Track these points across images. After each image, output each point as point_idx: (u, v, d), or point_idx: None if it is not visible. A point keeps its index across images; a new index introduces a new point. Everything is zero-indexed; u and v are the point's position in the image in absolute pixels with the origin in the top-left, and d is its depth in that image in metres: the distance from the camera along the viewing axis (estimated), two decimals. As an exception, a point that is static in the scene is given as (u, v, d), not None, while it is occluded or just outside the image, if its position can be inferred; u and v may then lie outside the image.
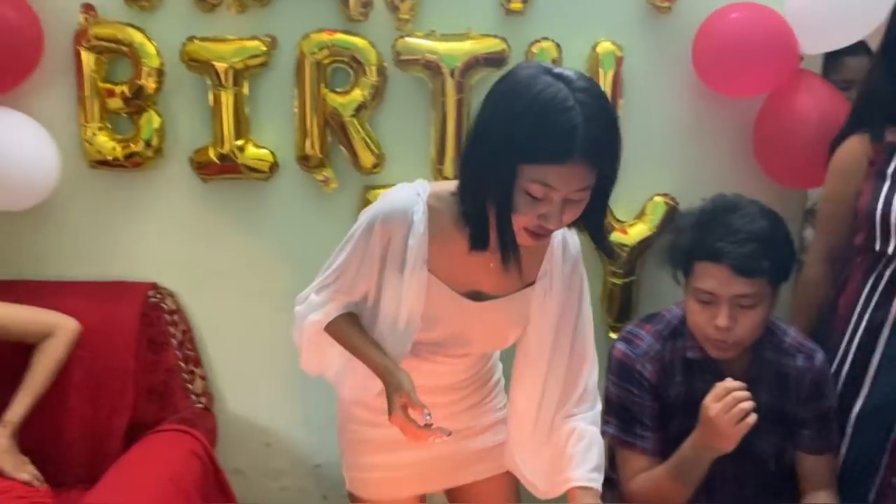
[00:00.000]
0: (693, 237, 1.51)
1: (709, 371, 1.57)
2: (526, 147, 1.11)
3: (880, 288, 1.62)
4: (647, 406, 1.58)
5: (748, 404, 1.40)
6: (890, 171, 1.63)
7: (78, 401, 1.94)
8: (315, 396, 2.15)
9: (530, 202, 1.15)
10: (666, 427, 1.60)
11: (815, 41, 1.88)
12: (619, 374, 1.60)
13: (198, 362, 2.11)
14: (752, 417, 1.40)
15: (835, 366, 1.67)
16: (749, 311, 1.48)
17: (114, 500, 1.68)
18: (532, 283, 1.39)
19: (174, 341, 2.04)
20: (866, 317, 1.64)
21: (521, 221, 1.18)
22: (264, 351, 2.14)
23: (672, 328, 1.61)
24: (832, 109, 1.88)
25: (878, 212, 1.60)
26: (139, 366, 1.98)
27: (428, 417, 1.26)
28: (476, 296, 1.37)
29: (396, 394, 1.30)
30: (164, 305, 2.04)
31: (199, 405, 2.09)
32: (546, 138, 1.10)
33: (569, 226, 1.27)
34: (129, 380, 1.97)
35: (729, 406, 1.39)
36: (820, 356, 1.61)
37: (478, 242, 1.24)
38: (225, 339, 2.14)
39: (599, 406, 1.49)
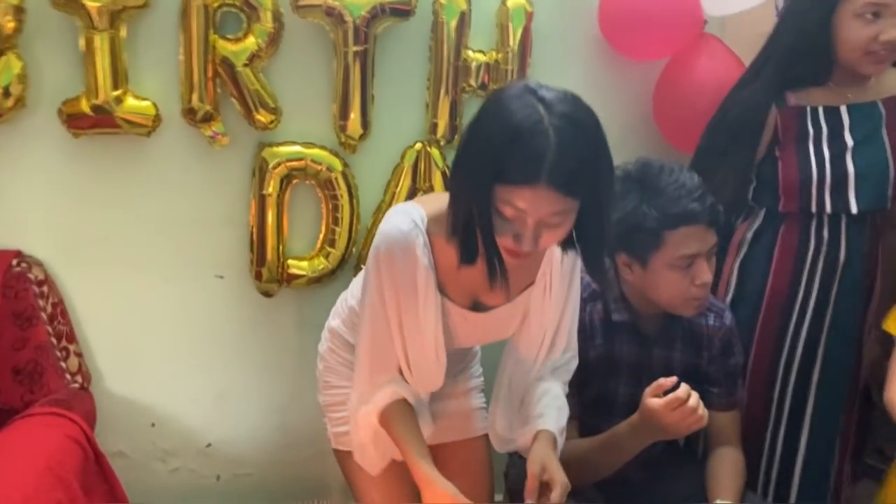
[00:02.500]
0: (656, 210, 1.46)
1: (628, 332, 1.57)
2: (498, 168, 1.12)
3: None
4: None
5: (703, 410, 1.40)
6: (811, 135, 1.68)
7: (-72, 385, 1.70)
8: (202, 372, 2.02)
9: (504, 223, 1.16)
10: (584, 391, 1.59)
11: (719, 4, 1.90)
12: None
13: (72, 338, 1.91)
14: (706, 419, 1.41)
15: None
16: (713, 258, 1.52)
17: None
18: (531, 284, 1.41)
19: (43, 315, 1.83)
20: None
21: (500, 241, 1.20)
22: (146, 324, 1.98)
23: (591, 290, 1.59)
24: (732, 76, 1.91)
25: (815, 177, 1.67)
26: (3, 343, 1.77)
27: None
28: (477, 306, 1.40)
29: (428, 494, 1.30)
30: (30, 276, 1.82)
31: (75, 384, 1.89)
32: (514, 160, 1.10)
33: (563, 248, 1.30)
34: (-13, 358, 1.75)
35: (685, 414, 1.38)
36: (729, 315, 1.65)
37: (465, 257, 1.24)
38: (102, 312, 1.95)
39: (575, 358, 1.50)
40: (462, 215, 1.21)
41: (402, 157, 1.94)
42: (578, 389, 1.57)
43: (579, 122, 1.14)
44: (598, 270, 1.28)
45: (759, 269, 1.78)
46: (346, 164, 1.91)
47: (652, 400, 1.40)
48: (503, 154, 1.11)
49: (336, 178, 1.90)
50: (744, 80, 1.78)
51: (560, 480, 1.28)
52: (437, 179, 1.94)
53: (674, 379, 1.40)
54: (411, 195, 1.95)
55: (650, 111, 2.02)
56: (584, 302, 1.58)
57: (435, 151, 1.93)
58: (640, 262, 1.51)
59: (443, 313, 1.36)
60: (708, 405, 1.62)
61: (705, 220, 1.47)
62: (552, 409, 1.40)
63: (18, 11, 1.69)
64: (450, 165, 1.94)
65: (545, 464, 1.31)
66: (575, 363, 1.50)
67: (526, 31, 1.89)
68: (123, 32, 1.75)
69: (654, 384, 1.41)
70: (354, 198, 1.93)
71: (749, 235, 1.80)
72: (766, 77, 1.72)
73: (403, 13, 1.83)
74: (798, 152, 1.69)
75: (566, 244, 1.28)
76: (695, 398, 1.39)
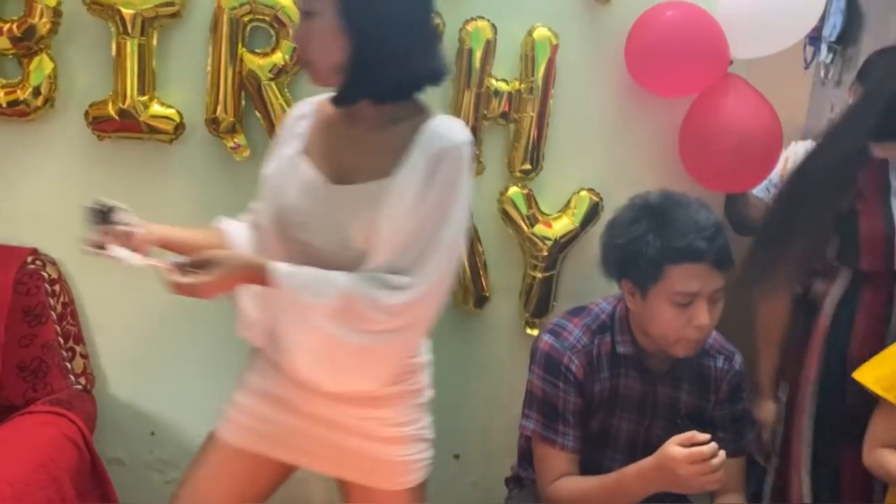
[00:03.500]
0: (661, 242, 1.43)
1: (635, 367, 1.54)
2: None
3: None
4: (571, 402, 1.52)
5: (722, 473, 1.34)
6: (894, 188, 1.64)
7: (-66, 374, 1.72)
8: (205, 383, 2.00)
9: None
10: (586, 424, 1.55)
11: (746, 46, 1.89)
12: (545, 367, 1.54)
13: (79, 339, 1.92)
14: (720, 475, 1.34)
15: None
16: (719, 303, 1.46)
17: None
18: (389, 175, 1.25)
19: (53, 314, 1.84)
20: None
21: None
22: (154, 331, 1.98)
23: (600, 322, 1.57)
24: (757, 115, 1.90)
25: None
26: (10, 338, 1.77)
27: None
28: (336, 179, 1.29)
29: None
30: (44, 273, 1.84)
31: (78, 386, 1.89)
32: None
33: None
34: (-5, 353, 1.75)
35: (704, 471, 1.33)
36: (738, 359, 1.61)
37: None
38: (111, 315, 1.95)
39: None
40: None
41: (420, 179, 1.94)
42: (581, 422, 1.53)
43: None
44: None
45: (842, 333, 1.70)
46: (363, 184, 1.91)
47: (675, 448, 1.34)
48: None
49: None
50: (837, 128, 1.73)
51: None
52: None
53: (707, 437, 1.35)
54: (426, 218, 1.94)
55: (675, 147, 2.00)
56: (594, 334, 1.56)
57: (453, 176, 1.93)
58: (641, 292, 1.47)
59: (302, 174, 1.30)
60: None
61: (710, 261, 1.41)
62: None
63: (55, 13, 1.74)
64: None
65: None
66: (399, 290, 1.23)
67: (550, 63, 1.90)
68: (154, 40, 1.79)
69: (688, 434, 1.35)
70: (370, 217, 1.92)
71: (831, 297, 1.73)
72: (861, 127, 1.65)
73: (430, 38, 1.84)
74: (881, 206, 1.64)
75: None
76: (719, 459, 1.33)
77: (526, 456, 1.68)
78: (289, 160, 1.33)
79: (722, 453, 1.34)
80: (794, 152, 2.08)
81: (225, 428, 1.43)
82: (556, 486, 1.51)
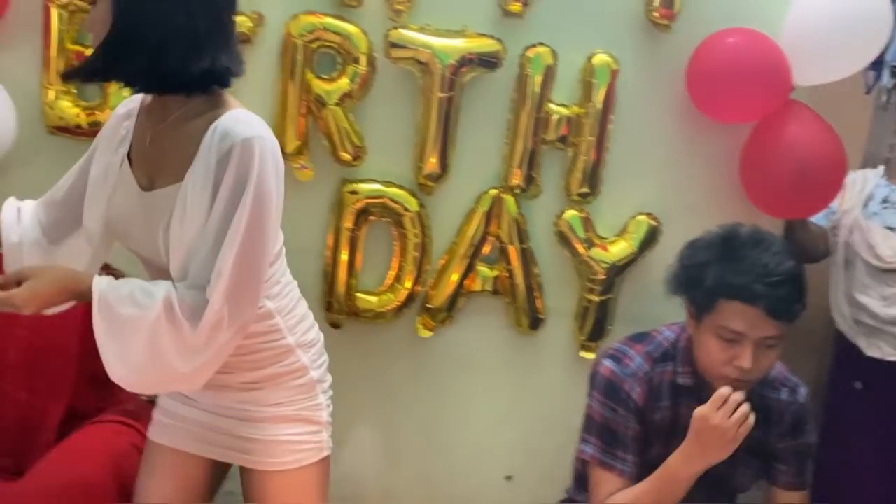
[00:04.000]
0: (720, 274, 1.42)
1: (696, 398, 1.52)
2: None
3: None
4: (630, 428, 1.52)
5: (747, 406, 1.39)
6: None
7: (11, 383, 1.79)
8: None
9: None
10: (644, 452, 1.54)
11: (809, 72, 1.88)
12: (605, 392, 1.54)
13: (146, 352, 1.98)
14: (752, 418, 1.39)
15: None
16: (770, 350, 1.44)
17: (45, 493, 1.55)
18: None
19: (124, 327, 1.91)
20: None
21: None
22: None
23: (663, 351, 1.56)
24: (820, 142, 1.88)
25: None
26: (83, 349, 1.83)
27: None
28: (147, 184, 1.28)
29: None
30: (115, 287, 1.91)
31: (145, 397, 1.95)
32: None
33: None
34: (71, 364, 1.82)
35: (730, 411, 1.37)
36: (803, 391, 1.59)
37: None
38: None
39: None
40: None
41: (477, 201, 1.97)
42: (641, 450, 1.53)
43: None
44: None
45: None
46: (421, 205, 1.95)
47: (699, 408, 1.39)
48: None
49: (411, 218, 1.94)
50: None
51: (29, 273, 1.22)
52: (508, 226, 1.96)
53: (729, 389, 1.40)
54: (482, 239, 1.97)
55: (735, 173, 1.99)
56: (655, 362, 1.55)
57: (509, 199, 1.96)
58: (696, 319, 1.48)
59: (123, 179, 1.29)
60: (774, 482, 1.56)
61: (764, 306, 1.38)
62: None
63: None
64: (523, 214, 1.96)
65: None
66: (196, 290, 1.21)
67: (610, 88, 1.91)
68: (226, 65, 1.85)
69: (715, 396, 1.40)
70: (427, 238, 1.96)
71: None
72: None
73: (491, 64, 1.88)
74: None
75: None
76: (738, 394, 1.39)
77: (581, 480, 1.68)
78: (109, 167, 1.31)
79: (740, 392, 1.39)
80: (853, 181, 2.05)
81: (152, 430, 1.50)
82: (610, 501, 1.52)
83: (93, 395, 1.86)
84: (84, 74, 1.25)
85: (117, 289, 1.22)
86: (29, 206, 1.44)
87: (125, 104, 1.36)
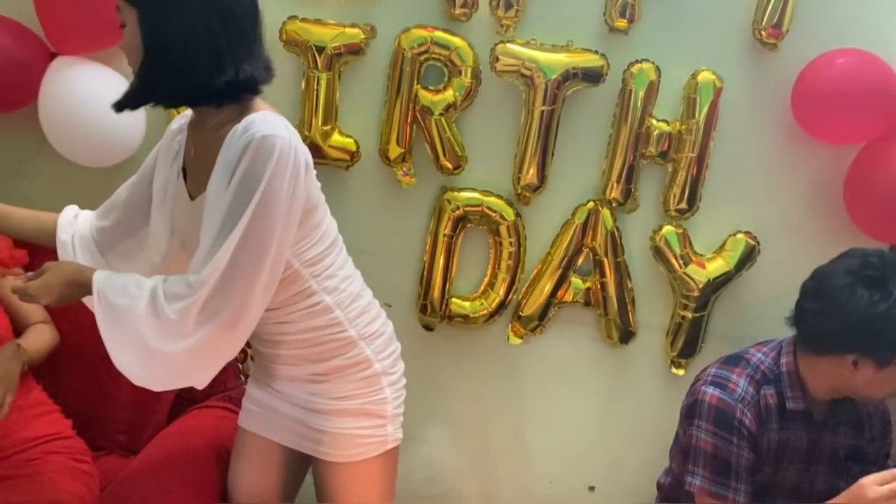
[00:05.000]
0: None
1: (803, 419, 1.52)
2: None
3: None
4: (744, 457, 1.49)
5: None
6: None
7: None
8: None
9: None
10: (754, 476, 1.52)
11: (922, 95, 1.83)
12: (717, 422, 1.50)
13: (249, 343, 2.09)
14: None
15: None
16: None
17: (155, 466, 1.66)
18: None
19: (231, 319, 2.02)
20: None
21: None
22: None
23: (761, 373, 1.54)
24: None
25: None
26: (195, 338, 1.96)
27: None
28: (194, 193, 1.36)
29: None
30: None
31: (246, 385, 2.06)
32: None
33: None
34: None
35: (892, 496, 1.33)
36: None
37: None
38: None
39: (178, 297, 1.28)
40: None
41: (574, 213, 2.00)
42: (750, 476, 1.50)
43: None
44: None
45: None
46: (518, 215, 1.99)
47: (873, 487, 1.33)
48: None
49: (508, 227, 1.98)
50: None
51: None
52: (603, 239, 1.98)
53: None
54: (577, 251, 2.00)
55: (839, 195, 1.96)
56: (758, 385, 1.52)
57: (606, 212, 1.98)
58: (878, 363, 1.43)
59: (179, 191, 1.37)
60: None
61: None
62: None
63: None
64: (619, 227, 1.98)
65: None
66: (190, 297, 1.22)
67: (713, 105, 1.91)
68: (339, 75, 1.95)
69: (887, 473, 1.35)
70: (522, 247, 2.00)
71: None
72: None
73: (594, 79, 1.91)
74: None
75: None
76: None
77: (665, 490, 1.68)
78: (167, 181, 1.40)
79: None
80: None
81: (241, 416, 1.57)
82: None
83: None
84: (131, 102, 1.31)
85: (112, 281, 1.28)
86: (87, 213, 1.56)
87: (177, 119, 1.45)
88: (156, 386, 1.31)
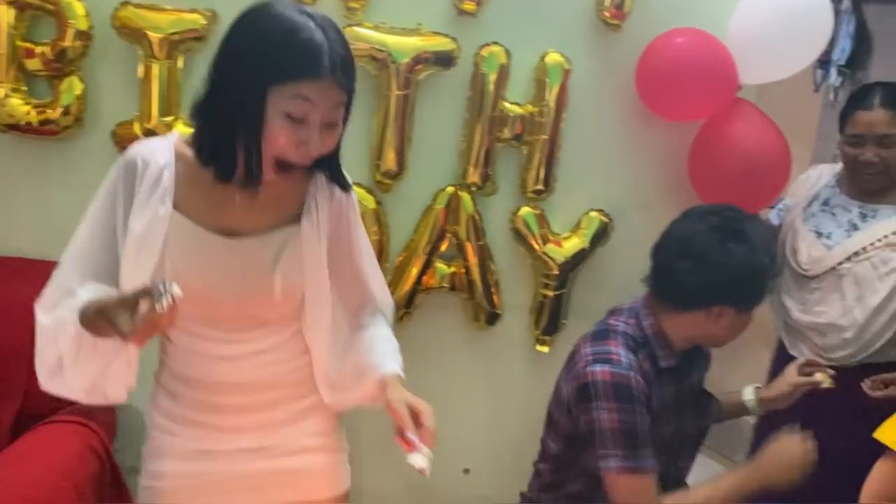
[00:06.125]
0: (769, 258, 1.52)
1: (674, 375, 1.58)
2: (278, 66, 1.12)
3: None
4: (646, 421, 1.50)
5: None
6: None
7: (-38, 384, 1.76)
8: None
9: (289, 126, 1.14)
10: (661, 433, 1.57)
11: (755, 71, 1.94)
12: (616, 396, 1.48)
13: (101, 351, 1.96)
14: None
15: None
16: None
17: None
18: (295, 223, 1.28)
19: (78, 326, 1.89)
20: None
21: (279, 148, 1.16)
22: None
23: (632, 339, 1.55)
24: (765, 139, 1.94)
25: None
26: (35, 348, 1.81)
27: (163, 283, 1.06)
28: (229, 233, 1.26)
29: (108, 309, 1.09)
30: (69, 287, 1.89)
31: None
32: (298, 55, 1.12)
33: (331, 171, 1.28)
34: (22, 363, 1.79)
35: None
36: None
37: (223, 171, 1.20)
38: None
39: (390, 306, 1.46)
40: (226, 126, 1.16)
41: (434, 199, 1.99)
42: (653, 440, 1.52)
43: (335, 24, 1.18)
44: (341, 173, 1.30)
45: None
46: (379, 203, 1.96)
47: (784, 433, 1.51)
48: (281, 51, 1.11)
49: (369, 216, 1.95)
50: None
51: (425, 408, 1.24)
52: (465, 223, 1.99)
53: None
54: (440, 236, 1.99)
55: (685, 169, 2.04)
56: (634, 352, 1.53)
57: (465, 196, 1.98)
58: (740, 310, 1.51)
59: (180, 233, 1.23)
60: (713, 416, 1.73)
61: None
62: (388, 355, 1.35)
63: (86, 37, 1.80)
64: (479, 211, 1.99)
65: (407, 399, 1.25)
66: (391, 306, 1.46)
67: (563, 88, 1.95)
68: (180, 63, 1.85)
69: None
70: (385, 235, 1.98)
71: None
72: None
73: (446, 62, 1.90)
74: None
75: (333, 167, 1.28)
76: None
77: (543, 484, 1.71)
78: (162, 219, 1.22)
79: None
80: (807, 177, 2.07)
81: (159, 498, 1.35)
82: None
83: (45, 394, 1.83)
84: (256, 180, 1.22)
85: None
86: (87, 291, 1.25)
87: (156, 153, 1.23)
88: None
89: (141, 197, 1.22)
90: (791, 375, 1.75)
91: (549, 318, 2.07)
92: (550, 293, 2.04)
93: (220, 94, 1.17)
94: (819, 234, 1.92)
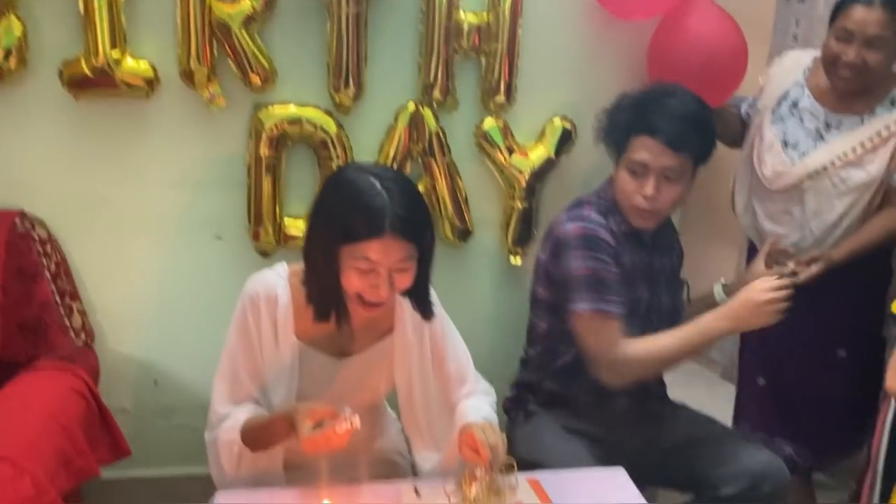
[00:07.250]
0: (633, 114, 1.63)
1: (634, 241, 1.68)
2: (343, 229, 1.30)
3: None
4: (614, 272, 1.62)
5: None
6: None
7: (-64, 340, 1.75)
8: (203, 331, 2.05)
9: (359, 276, 1.32)
10: (634, 294, 1.68)
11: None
12: (584, 245, 1.62)
13: (75, 296, 1.96)
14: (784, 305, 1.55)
15: None
16: (672, 184, 1.61)
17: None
18: (389, 333, 1.50)
19: (47, 273, 1.88)
20: None
21: (355, 290, 1.34)
22: (147, 285, 2.02)
23: (605, 206, 1.68)
24: (721, 33, 1.93)
25: None
26: (7, 299, 1.80)
27: (347, 411, 1.27)
28: (339, 354, 1.48)
29: (299, 415, 1.29)
30: (34, 234, 1.87)
31: (79, 342, 1.94)
32: (360, 219, 1.29)
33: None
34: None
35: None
36: None
37: (319, 315, 1.39)
38: (104, 272, 1.99)
39: (488, 391, 1.56)
40: (316, 278, 1.37)
41: (396, 117, 1.97)
42: (623, 290, 1.63)
43: (405, 180, 1.37)
44: (426, 304, 1.45)
45: None
46: (340, 126, 1.94)
47: (763, 292, 1.54)
48: (346, 216, 1.29)
49: (331, 140, 1.93)
50: None
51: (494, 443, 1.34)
52: (428, 140, 1.97)
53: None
54: (406, 155, 1.98)
55: (645, 69, 2.03)
56: (604, 215, 1.67)
57: (427, 112, 1.96)
58: (616, 161, 1.66)
59: (305, 357, 1.44)
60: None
61: (666, 138, 1.57)
62: (472, 411, 1.46)
63: (18, -27, 1.73)
64: (442, 127, 1.98)
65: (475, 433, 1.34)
66: (492, 393, 1.56)
67: (516, -5, 1.91)
68: (120, -7, 1.78)
69: (773, 281, 1.57)
70: (349, 159, 1.96)
71: None
72: None
73: (396, -26, 1.85)
74: None
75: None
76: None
77: (535, 361, 1.80)
78: (292, 347, 1.43)
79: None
80: (775, 73, 2.03)
81: None
82: (626, 347, 1.60)
83: (22, 343, 1.84)
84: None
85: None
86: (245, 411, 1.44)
87: (271, 288, 1.42)
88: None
89: (269, 329, 1.41)
90: (758, 266, 1.81)
91: (520, 230, 2.08)
92: (520, 205, 2.05)
93: (311, 247, 1.37)
94: (786, 145, 1.92)
